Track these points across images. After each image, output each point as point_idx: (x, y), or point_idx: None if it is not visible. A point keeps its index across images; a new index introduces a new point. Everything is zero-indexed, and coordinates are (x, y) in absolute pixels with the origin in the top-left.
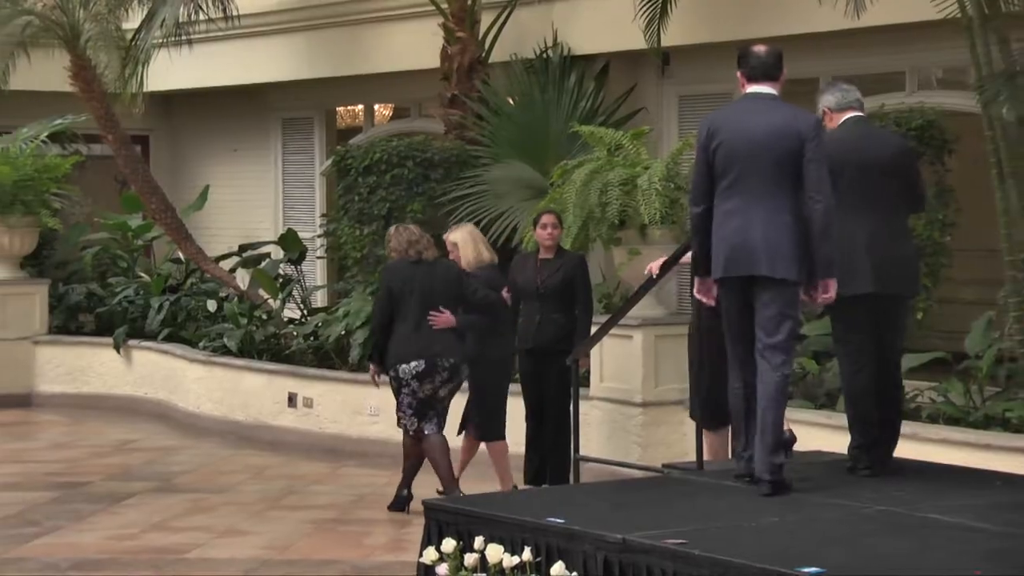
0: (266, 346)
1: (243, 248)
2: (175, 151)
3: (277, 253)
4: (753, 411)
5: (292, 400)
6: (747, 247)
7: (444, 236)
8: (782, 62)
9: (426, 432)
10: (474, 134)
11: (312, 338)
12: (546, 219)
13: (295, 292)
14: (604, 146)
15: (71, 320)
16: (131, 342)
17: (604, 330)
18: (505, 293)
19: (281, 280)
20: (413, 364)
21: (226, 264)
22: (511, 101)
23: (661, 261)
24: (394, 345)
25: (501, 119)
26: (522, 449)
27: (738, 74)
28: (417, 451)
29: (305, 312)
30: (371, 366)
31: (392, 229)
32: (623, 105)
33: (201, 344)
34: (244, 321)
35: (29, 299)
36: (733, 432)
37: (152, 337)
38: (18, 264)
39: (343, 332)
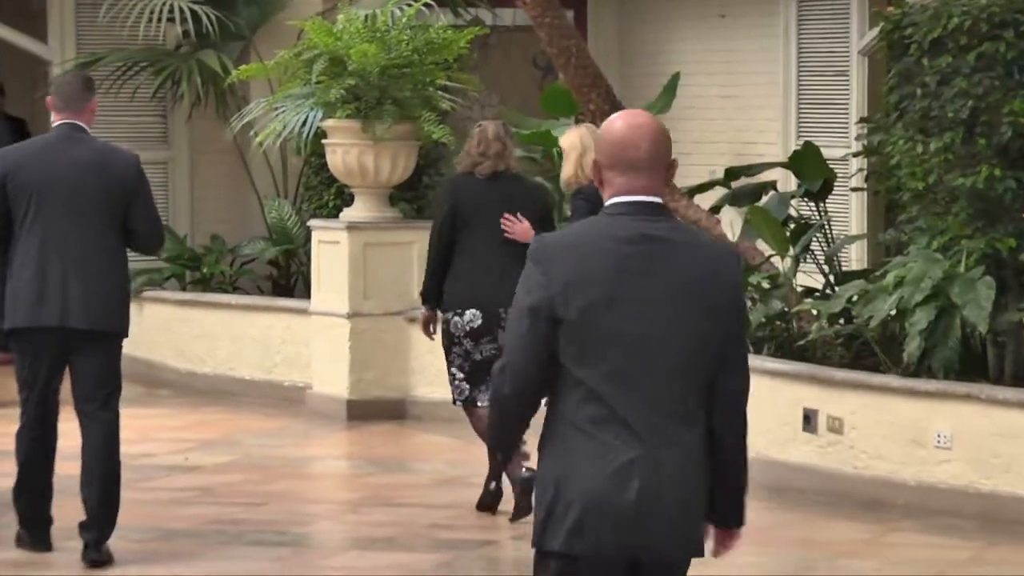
0: (768, 332)
1: (732, 174)
2: (625, 18)
3: (787, 182)
4: None
5: (810, 420)
6: None
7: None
8: None
9: (479, 404)
10: None
11: (842, 321)
12: None
13: (815, 246)
14: None
15: None
16: None
17: None
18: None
19: (794, 226)
20: (468, 316)
21: (705, 199)
22: None
23: None
24: (450, 284)
25: None
26: None
27: None
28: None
29: (831, 279)
30: (423, 310)
31: (477, 128)
32: None
33: None
34: None
35: (403, 252)
36: None
37: None
38: (387, 198)
39: (892, 313)
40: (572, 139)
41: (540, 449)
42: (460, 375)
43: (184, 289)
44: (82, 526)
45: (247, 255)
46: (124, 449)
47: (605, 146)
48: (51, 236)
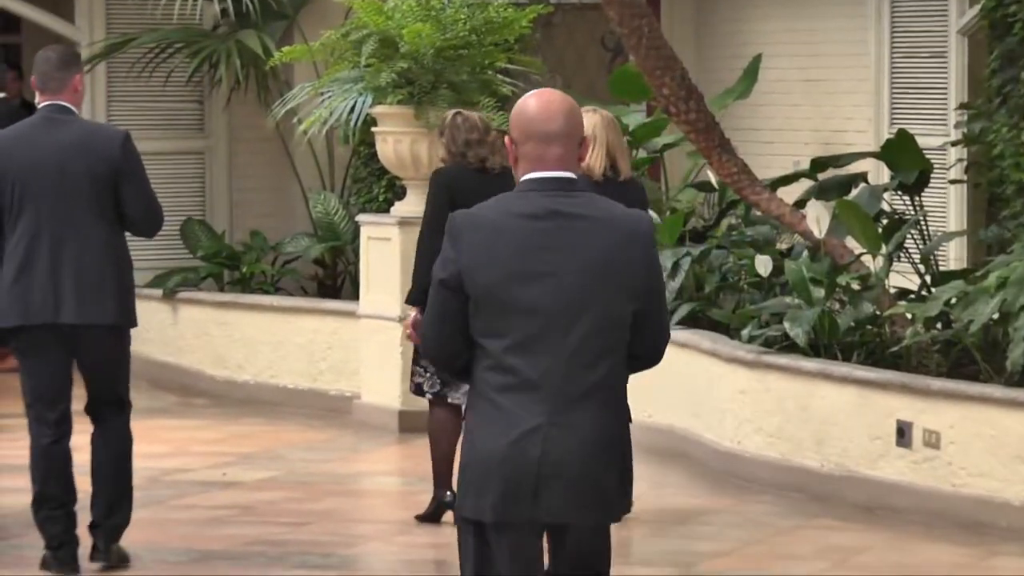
0: (858, 337)
1: (818, 165)
2: None
3: (878, 174)
4: None
5: (903, 433)
6: None
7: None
8: None
9: (450, 400)
10: None
11: (939, 325)
12: None
13: (910, 243)
14: None
15: None
16: None
17: None
18: None
19: (886, 222)
20: None
21: (789, 192)
22: None
23: None
24: None
25: None
26: None
27: None
28: (455, 427)
29: (927, 279)
30: (412, 312)
31: (448, 117)
32: None
33: (745, 332)
34: (820, 293)
35: None
36: None
37: None
38: None
39: (995, 317)
40: (595, 121)
41: (464, 417)
42: (432, 370)
43: (222, 290)
44: (90, 527)
45: (290, 253)
46: (157, 464)
47: (519, 121)
48: (38, 226)
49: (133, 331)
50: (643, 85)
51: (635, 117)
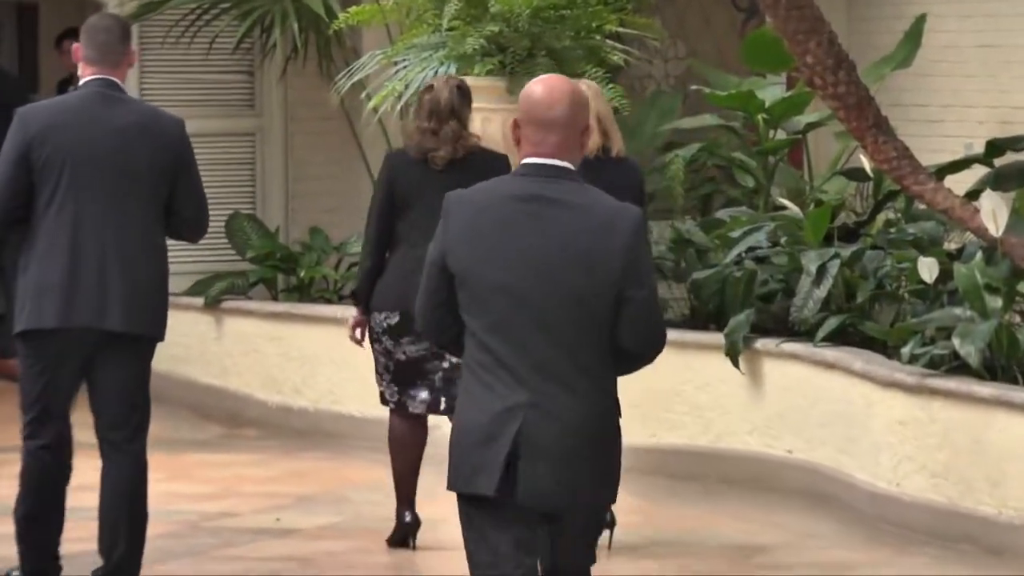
0: None
1: (995, 148)
2: None
3: None
4: None
5: None
6: None
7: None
8: None
9: (410, 410)
10: None
11: None
12: None
13: None
14: None
15: None
16: (762, 343)
17: None
18: None
19: None
20: (384, 314)
21: (958, 182)
22: None
23: None
24: (380, 281)
25: None
26: None
27: None
28: (415, 440)
29: None
30: (354, 312)
31: (426, 93)
32: None
33: (905, 351)
34: (997, 304)
35: None
36: None
37: (804, 333)
38: None
39: None
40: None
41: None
42: (387, 375)
43: (275, 299)
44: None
45: (357, 255)
46: (198, 507)
47: (524, 104)
48: (85, 217)
49: (165, 348)
50: (783, 52)
51: (772, 91)
